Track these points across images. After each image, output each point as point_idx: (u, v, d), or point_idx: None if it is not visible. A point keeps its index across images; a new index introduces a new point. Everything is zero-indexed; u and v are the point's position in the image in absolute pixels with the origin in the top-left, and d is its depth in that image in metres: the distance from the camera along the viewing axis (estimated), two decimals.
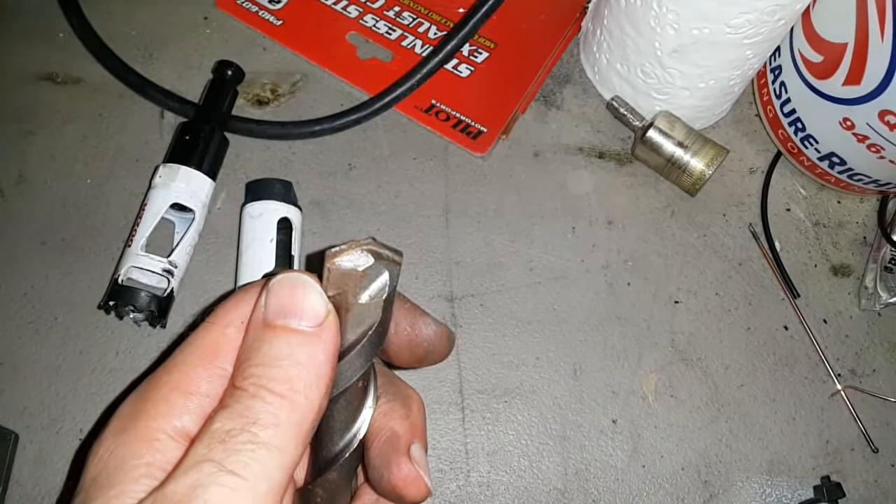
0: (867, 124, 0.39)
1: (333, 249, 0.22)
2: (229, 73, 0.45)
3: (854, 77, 0.38)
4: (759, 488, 0.41)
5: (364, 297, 0.23)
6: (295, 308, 0.21)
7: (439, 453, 0.40)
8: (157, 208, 0.40)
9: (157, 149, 0.45)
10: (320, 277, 0.22)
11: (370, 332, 0.22)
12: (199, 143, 0.42)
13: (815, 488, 0.41)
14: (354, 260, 0.23)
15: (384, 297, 0.23)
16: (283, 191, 0.42)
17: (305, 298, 0.21)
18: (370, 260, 0.23)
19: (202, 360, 0.21)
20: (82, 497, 0.19)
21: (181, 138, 0.42)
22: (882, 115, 0.38)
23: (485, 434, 0.41)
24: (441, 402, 0.41)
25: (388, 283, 0.23)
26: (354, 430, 0.24)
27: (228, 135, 0.45)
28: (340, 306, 0.22)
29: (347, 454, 0.23)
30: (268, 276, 0.23)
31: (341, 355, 0.22)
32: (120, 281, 0.39)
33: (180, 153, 0.42)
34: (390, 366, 0.27)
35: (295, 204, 0.42)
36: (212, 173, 0.42)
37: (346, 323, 0.22)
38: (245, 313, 0.22)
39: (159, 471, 0.19)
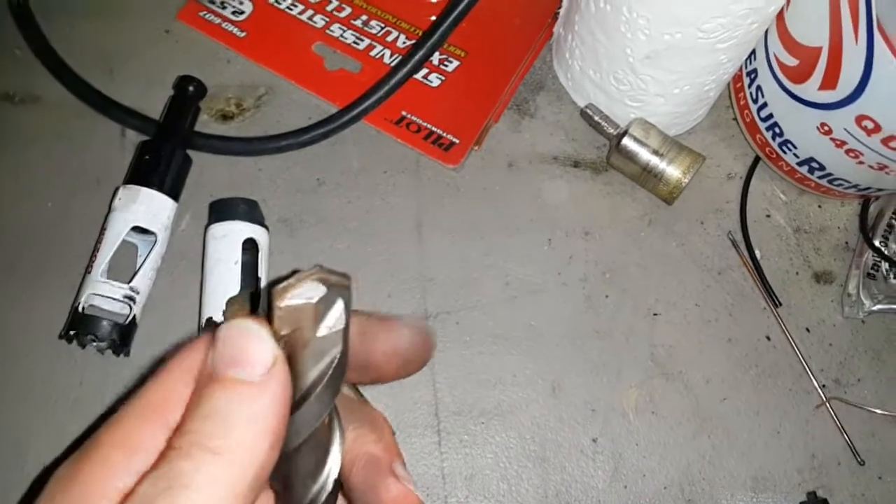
0: (844, 129, 0.38)
1: (281, 286, 0.21)
2: (191, 88, 0.43)
3: (829, 81, 0.37)
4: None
5: (322, 330, 0.21)
6: (240, 357, 0.19)
7: (415, 478, 0.39)
8: (116, 232, 0.39)
9: (118, 168, 0.44)
10: (271, 318, 0.21)
11: (333, 366, 0.21)
12: (159, 163, 0.41)
13: None
14: (304, 293, 0.21)
15: (343, 326, 0.21)
16: (247, 210, 0.41)
17: (250, 346, 0.19)
18: (321, 289, 0.21)
19: (148, 415, 0.20)
20: None
21: (141, 158, 0.41)
22: (859, 119, 0.37)
23: (462, 457, 0.40)
24: (416, 425, 0.40)
25: (342, 310, 0.22)
26: (326, 470, 0.23)
27: (192, 152, 0.43)
28: (297, 344, 0.21)
29: (324, 497, 0.22)
30: (213, 324, 0.22)
31: (306, 395, 0.21)
32: (80, 309, 0.38)
33: (140, 174, 0.40)
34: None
35: (261, 223, 0.41)
36: (174, 193, 0.41)
37: (305, 360, 0.21)
38: (196, 365, 0.20)
39: None
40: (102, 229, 0.39)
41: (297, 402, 0.21)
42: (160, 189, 0.40)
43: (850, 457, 0.41)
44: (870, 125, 0.37)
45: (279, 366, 0.19)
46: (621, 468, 0.40)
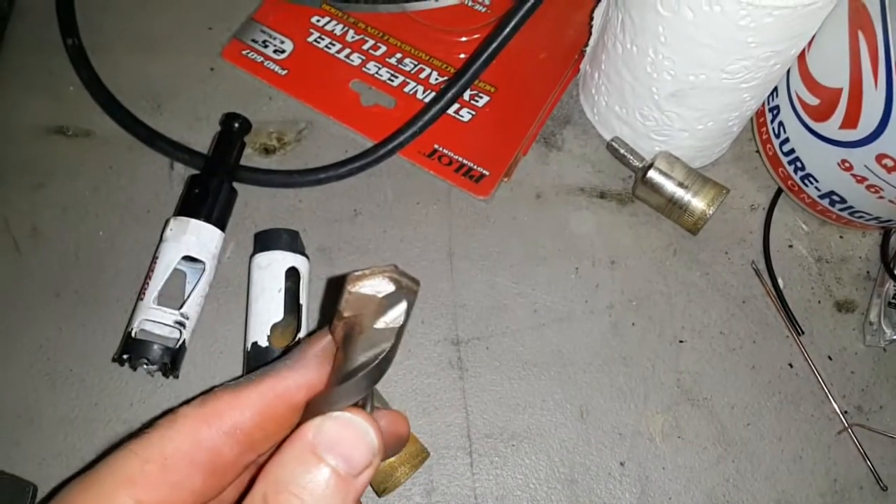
0: (865, 166, 0.40)
1: (356, 273, 0.24)
2: (237, 125, 0.46)
3: (850, 121, 0.39)
4: None
5: (380, 323, 0.24)
6: (346, 451, 0.22)
7: (448, 499, 0.41)
8: (168, 261, 0.41)
9: (167, 200, 0.46)
10: (339, 299, 0.23)
11: (380, 358, 0.23)
12: (208, 196, 0.43)
13: None
14: (375, 286, 0.24)
15: (399, 325, 0.23)
16: (289, 240, 0.43)
17: (358, 446, 0.22)
18: (390, 287, 0.24)
19: (117, 487, 0.22)
20: None
21: (191, 191, 0.43)
22: (879, 158, 0.38)
23: (493, 479, 0.41)
24: (449, 447, 0.42)
25: (404, 311, 0.24)
26: None
27: (236, 184, 0.46)
28: (355, 328, 0.23)
29: None
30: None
31: (349, 376, 0.23)
32: (133, 334, 0.40)
33: (190, 206, 0.43)
34: None
35: (302, 253, 0.43)
36: (221, 224, 0.43)
37: (357, 344, 0.23)
38: (168, 452, 0.23)
39: None
40: (154, 258, 0.42)
41: (341, 378, 0.23)
42: (209, 220, 0.42)
43: (873, 482, 0.42)
44: (889, 163, 0.38)
45: (371, 470, 0.22)
46: (648, 491, 0.41)
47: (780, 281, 0.46)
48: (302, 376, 0.25)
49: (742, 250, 0.47)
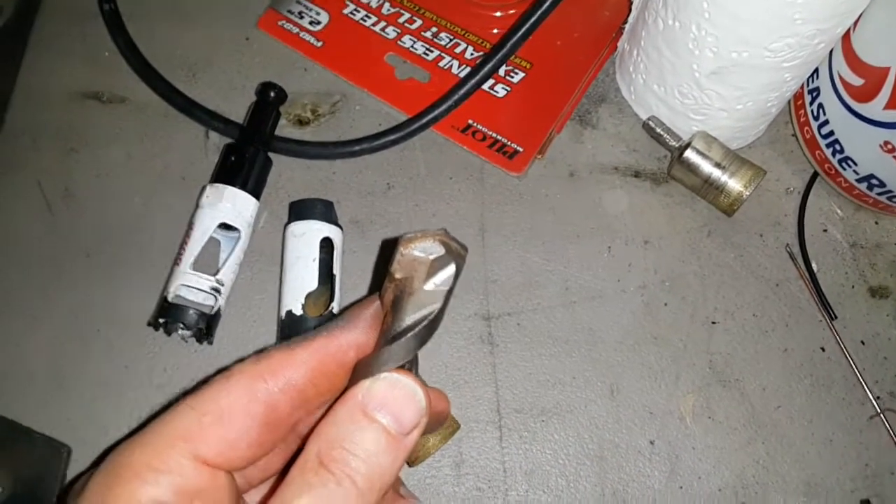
0: None
1: (408, 235, 0.24)
2: (272, 94, 0.46)
3: (894, 101, 0.38)
4: None
5: (429, 285, 0.24)
6: (396, 410, 0.23)
7: (477, 471, 0.41)
8: (205, 228, 0.41)
9: (201, 168, 0.46)
10: (391, 261, 0.24)
11: (429, 318, 0.24)
12: (244, 165, 0.43)
13: None
14: (426, 249, 0.24)
15: (448, 288, 0.24)
16: (324, 211, 0.43)
17: (407, 406, 0.23)
18: (440, 250, 0.24)
19: (175, 442, 0.23)
20: None
21: (227, 159, 0.43)
22: None
23: (522, 453, 0.41)
24: (479, 421, 0.42)
25: (453, 274, 0.24)
26: None
27: (272, 155, 0.46)
28: (405, 289, 0.24)
29: None
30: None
31: (398, 336, 0.23)
32: (170, 299, 0.40)
33: (226, 174, 0.43)
34: None
35: (336, 223, 0.43)
36: (256, 193, 0.43)
37: (406, 305, 0.24)
38: (224, 405, 0.23)
39: None
40: (190, 224, 0.42)
41: (389, 339, 0.24)
42: (244, 188, 0.42)
43: None
44: None
45: (419, 429, 0.23)
46: (678, 470, 0.41)
47: (813, 265, 0.46)
48: (353, 337, 0.25)
49: (777, 233, 0.47)
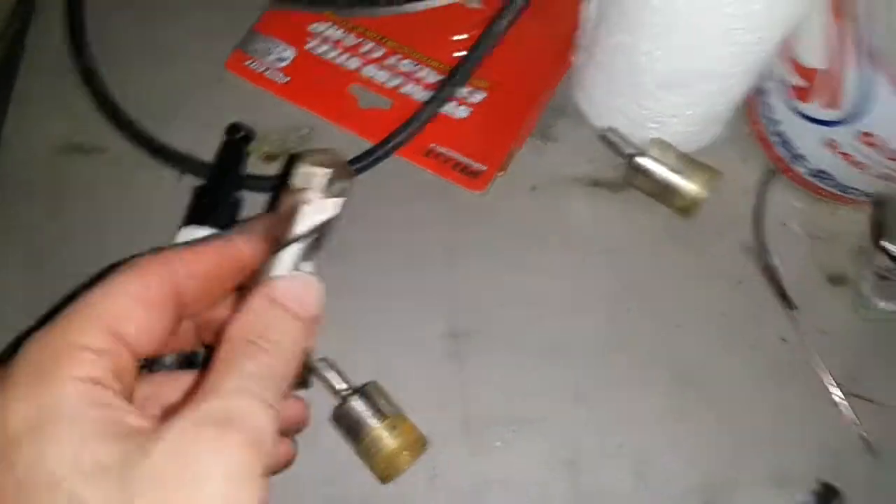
0: (850, 144, 0.40)
1: (306, 152, 0.29)
2: (240, 134, 0.48)
3: (833, 102, 0.39)
4: (762, 498, 0.42)
5: (325, 195, 0.29)
6: (300, 297, 0.28)
7: (451, 484, 0.43)
8: None
9: (179, 208, 0.49)
10: (291, 174, 0.29)
11: (324, 223, 0.29)
12: (214, 206, 0.45)
13: (815, 493, 0.42)
14: (323, 163, 0.29)
15: (342, 198, 0.29)
16: None
17: (307, 292, 0.28)
18: (335, 166, 0.29)
19: (102, 323, 0.25)
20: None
21: (198, 201, 0.46)
22: (862, 136, 0.39)
23: (494, 463, 0.43)
24: (449, 435, 0.43)
25: (346, 188, 0.29)
26: None
27: (244, 192, 0.48)
28: (302, 199, 0.28)
29: None
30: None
31: (295, 239, 0.28)
32: None
33: (198, 216, 0.45)
34: None
35: None
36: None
37: (304, 213, 0.28)
38: (143, 289, 0.26)
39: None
40: None
41: (287, 241, 0.28)
42: (216, 228, 0.45)
43: (865, 449, 0.43)
44: (873, 141, 0.39)
45: (320, 312, 0.29)
46: (646, 472, 0.43)
47: (773, 259, 0.47)
48: (249, 242, 0.30)
49: (736, 231, 0.48)
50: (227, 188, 0.46)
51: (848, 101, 0.38)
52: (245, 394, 0.24)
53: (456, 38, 0.54)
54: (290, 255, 0.28)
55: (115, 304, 0.25)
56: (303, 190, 0.28)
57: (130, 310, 0.26)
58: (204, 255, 0.29)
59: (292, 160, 0.28)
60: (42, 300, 0.47)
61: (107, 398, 0.24)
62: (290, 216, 0.28)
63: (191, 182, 0.50)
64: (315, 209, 0.28)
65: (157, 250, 0.28)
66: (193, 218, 0.45)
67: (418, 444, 0.41)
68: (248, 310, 0.27)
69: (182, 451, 0.22)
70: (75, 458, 0.22)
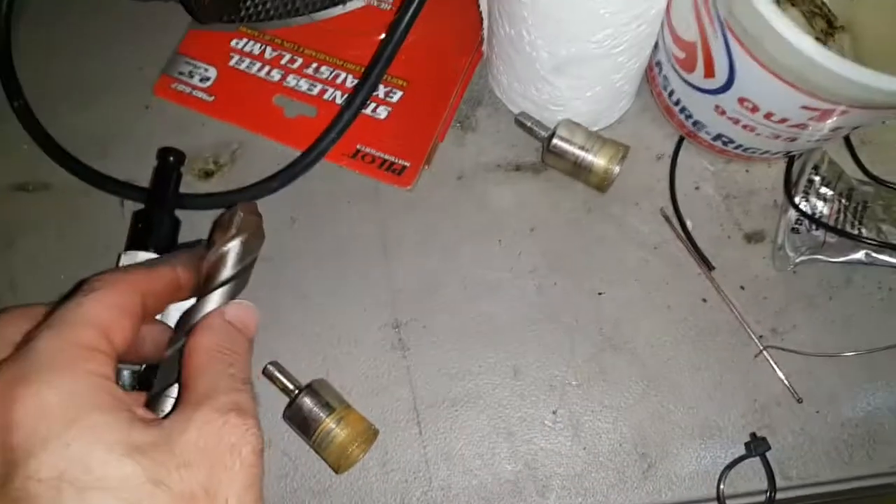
0: (734, 109, 0.43)
1: (232, 211, 0.37)
2: (171, 158, 0.50)
3: (709, 71, 0.41)
4: (693, 452, 0.45)
5: (246, 245, 0.36)
6: (245, 320, 0.34)
7: (403, 466, 0.46)
8: (173, 310, 0.46)
9: (122, 234, 0.51)
10: (230, 223, 0.36)
11: (246, 266, 0.36)
12: (151, 229, 0.47)
13: (745, 445, 0.45)
14: (248, 212, 0.37)
15: (260, 244, 0.37)
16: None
17: (251, 318, 0.35)
18: (247, 233, 0.36)
19: (96, 329, 0.29)
20: None
21: (136, 226, 0.48)
22: (740, 101, 0.41)
23: (441, 442, 0.46)
24: (398, 420, 0.46)
25: (261, 240, 0.37)
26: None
27: (182, 211, 0.50)
28: (229, 249, 0.35)
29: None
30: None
31: (236, 276, 0.35)
32: None
33: (137, 240, 0.47)
34: None
35: None
36: (167, 252, 0.48)
37: (231, 260, 0.35)
38: (119, 302, 0.30)
39: None
40: None
41: (221, 282, 0.35)
42: (156, 250, 0.47)
43: (789, 397, 0.46)
44: (750, 105, 0.41)
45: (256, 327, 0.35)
46: (580, 433, 0.46)
47: (688, 222, 0.50)
48: (186, 271, 0.35)
49: (651, 199, 0.51)
50: (163, 211, 0.48)
51: (720, 69, 0.40)
52: (241, 390, 0.30)
53: (379, 38, 0.55)
54: (227, 289, 0.34)
55: (108, 313, 0.29)
56: (235, 236, 0.35)
57: (118, 318, 0.29)
58: (159, 276, 0.33)
59: (227, 216, 0.36)
60: None
61: (118, 391, 0.28)
62: (219, 260, 0.35)
63: (132, 207, 0.52)
64: (245, 252, 0.35)
65: (119, 269, 0.33)
66: (134, 242, 0.47)
67: (368, 434, 0.44)
68: (210, 328, 0.32)
69: (214, 432, 0.27)
70: (112, 440, 0.25)
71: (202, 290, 0.35)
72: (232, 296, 0.35)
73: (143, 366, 0.42)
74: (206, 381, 0.30)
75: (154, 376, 0.34)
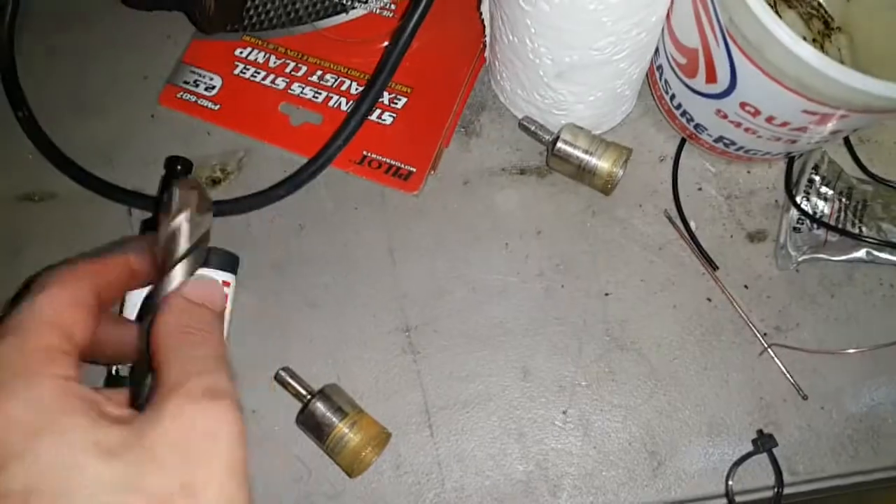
0: (736, 113, 0.43)
1: (174, 182, 0.34)
2: (178, 167, 0.50)
3: (710, 76, 0.42)
4: (701, 450, 0.46)
5: (198, 214, 0.34)
6: (207, 294, 0.32)
7: (416, 468, 0.46)
8: (134, 302, 0.46)
9: None
10: (170, 203, 0.34)
11: (203, 235, 0.34)
12: None
13: (752, 441, 0.46)
14: (189, 188, 0.34)
15: (210, 212, 0.35)
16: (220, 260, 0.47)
17: (213, 291, 0.33)
18: (196, 192, 0.34)
19: (59, 328, 0.29)
20: None
21: (144, 235, 0.48)
22: (742, 105, 0.42)
23: (453, 444, 0.46)
24: (410, 423, 0.47)
25: (209, 204, 0.35)
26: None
27: None
28: (182, 220, 0.33)
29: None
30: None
31: (191, 250, 0.33)
32: (114, 372, 0.45)
33: None
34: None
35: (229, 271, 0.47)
36: None
37: (186, 231, 0.33)
38: (74, 297, 0.29)
39: None
40: (122, 301, 0.47)
41: (180, 256, 0.33)
42: None
43: (795, 394, 0.47)
44: (751, 109, 0.42)
45: (223, 300, 0.34)
46: (590, 432, 0.46)
47: (692, 223, 0.50)
48: (139, 256, 0.34)
49: (655, 201, 0.51)
50: None
51: (721, 75, 0.41)
52: (213, 371, 0.28)
53: (376, 46, 0.56)
54: (183, 266, 0.33)
55: (63, 310, 0.28)
56: (178, 212, 0.33)
57: (74, 314, 0.28)
58: (111, 266, 0.32)
59: (164, 189, 0.33)
60: None
61: (85, 392, 0.26)
62: (171, 238, 0.33)
63: (140, 216, 0.52)
64: (194, 226, 0.34)
65: (68, 262, 0.31)
66: None
67: (381, 438, 0.44)
68: (170, 309, 0.31)
69: (186, 422, 0.26)
70: (82, 445, 0.24)
71: (160, 272, 0.34)
72: (191, 272, 0.33)
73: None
74: (176, 366, 0.28)
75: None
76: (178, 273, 0.33)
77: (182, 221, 0.33)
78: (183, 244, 0.33)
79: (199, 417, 0.26)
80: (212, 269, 0.46)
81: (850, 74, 0.35)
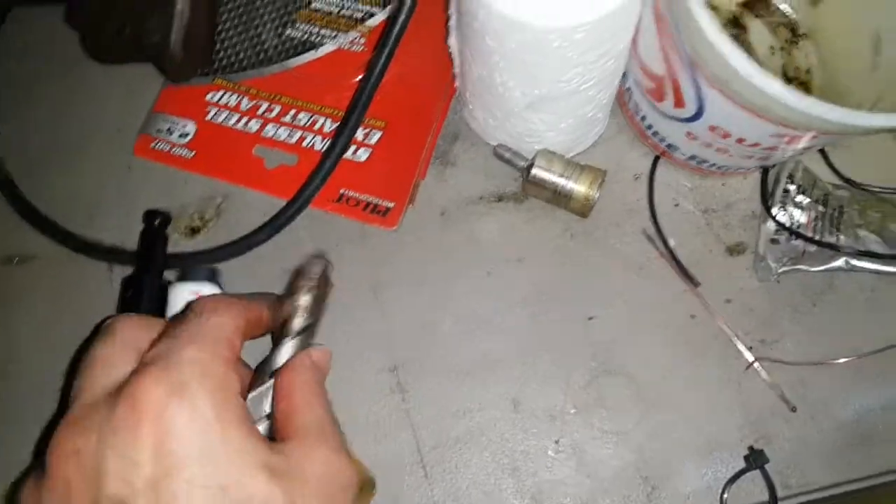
0: (706, 135, 0.43)
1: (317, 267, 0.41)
2: (157, 220, 0.50)
3: (678, 102, 0.42)
4: (694, 470, 0.46)
5: (315, 301, 0.40)
6: (322, 364, 0.37)
7: None
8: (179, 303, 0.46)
9: (110, 300, 0.51)
10: (305, 278, 0.40)
11: (315, 320, 0.39)
12: (141, 295, 0.48)
13: (745, 458, 0.46)
14: (312, 278, 0.40)
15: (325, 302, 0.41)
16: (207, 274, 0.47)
17: (326, 361, 0.38)
18: (316, 285, 0.40)
19: (227, 344, 0.33)
20: None
21: (125, 292, 0.48)
22: (712, 128, 0.42)
23: (447, 483, 0.46)
24: (403, 464, 0.47)
25: (329, 291, 0.41)
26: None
27: (169, 273, 0.50)
28: (300, 304, 0.39)
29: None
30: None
31: (309, 325, 0.39)
32: None
33: (126, 306, 0.48)
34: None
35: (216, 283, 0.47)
36: (160, 317, 0.48)
37: (315, 307, 0.39)
38: (235, 325, 0.34)
39: None
40: None
41: (296, 332, 0.38)
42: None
43: (783, 406, 0.47)
44: (721, 132, 0.42)
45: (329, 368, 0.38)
46: (583, 461, 0.46)
47: (670, 240, 0.51)
48: (268, 310, 0.37)
49: (632, 220, 0.51)
50: (150, 277, 0.49)
51: (689, 100, 0.41)
52: (339, 431, 0.34)
53: (354, 80, 0.56)
54: (297, 339, 0.38)
55: (233, 332, 0.33)
56: (308, 292, 0.39)
57: (237, 339, 0.33)
58: (254, 309, 0.36)
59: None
60: (5, 411, 0.50)
61: (249, 413, 0.31)
62: (298, 308, 0.39)
63: (121, 272, 0.52)
64: (309, 311, 0.39)
65: (223, 296, 0.38)
66: (122, 308, 0.48)
67: (367, 486, 0.44)
68: (304, 366, 0.35)
69: (333, 471, 0.32)
70: (256, 461, 0.29)
71: (280, 332, 0.38)
72: (307, 340, 0.38)
73: None
74: (314, 416, 0.33)
75: None
76: (301, 339, 0.38)
77: (310, 297, 0.39)
78: (307, 316, 0.38)
79: (341, 471, 0.32)
80: (202, 282, 0.46)
81: (818, 106, 0.35)
